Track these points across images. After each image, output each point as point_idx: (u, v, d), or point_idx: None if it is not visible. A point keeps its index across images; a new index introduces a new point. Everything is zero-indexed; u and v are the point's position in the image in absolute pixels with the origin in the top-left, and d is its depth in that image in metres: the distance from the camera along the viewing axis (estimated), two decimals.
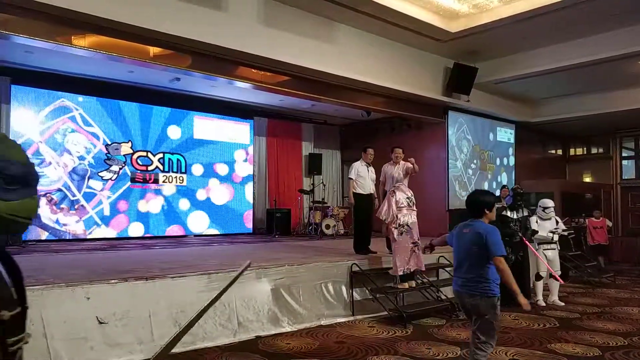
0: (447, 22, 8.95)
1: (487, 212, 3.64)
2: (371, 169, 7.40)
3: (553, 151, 16.23)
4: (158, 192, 10.75)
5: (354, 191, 7.33)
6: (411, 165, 6.69)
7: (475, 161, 12.53)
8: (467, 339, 5.28)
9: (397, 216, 6.28)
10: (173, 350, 4.87)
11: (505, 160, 13.53)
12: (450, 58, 10.49)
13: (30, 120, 9.20)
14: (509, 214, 6.70)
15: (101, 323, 4.45)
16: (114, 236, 10.02)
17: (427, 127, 12.06)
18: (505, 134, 13.53)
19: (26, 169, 1.11)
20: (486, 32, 9.00)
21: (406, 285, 6.25)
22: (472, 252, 3.55)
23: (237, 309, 5.28)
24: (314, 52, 8.35)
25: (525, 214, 6.89)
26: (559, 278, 6.93)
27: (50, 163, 9.36)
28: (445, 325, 5.91)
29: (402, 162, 7.47)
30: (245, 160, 12.27)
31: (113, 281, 4.65)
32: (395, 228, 6.24)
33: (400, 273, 6.10)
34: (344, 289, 6.24)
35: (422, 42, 9.67)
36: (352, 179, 7.24)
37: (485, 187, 12.53)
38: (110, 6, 6.29)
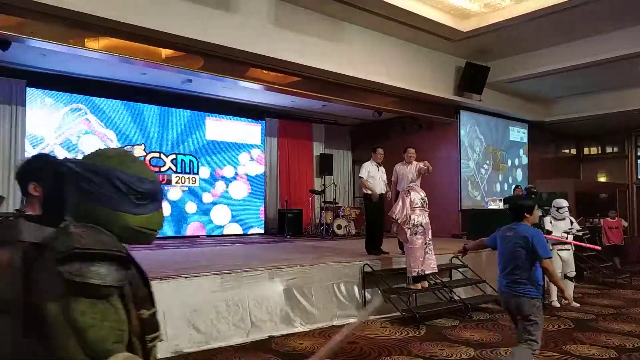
0: (459, 21, 8.91)
1: (527, 215, 3.78)
2: (382, 169, 7.37)
3: (567, 150, 16.07)
4: (168, 192, 10.82)
5: (365, 192, 7.33)
6: (425, 167, 6.68)
7: (487, 161, 12.44)
8: (481, 340, 5.26)
9: (410, 216, 6.24)
10: (186, 350, 4.87)
11: (518, 160, 13.43)
12: (461, 57, 10.43)
13: (45, 122, 9.31)
14: None
15: None
16: None
17: (439, 127, 12.00)
18: (518, 134, 13.42)
19: (155, 186, 1.19)
20: (498, 31, 8.95)
21: (419, 285, 6.23)
22: (518, 254, 3.68)
23: (250, 309, 5.30)
24: (325, 53, 8.36)
25: (539, 214, 6.81)
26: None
27: None
28: (458, 326, 5.88)
29: (414, 162, 7.44)
30: (256, 161, 12.30)
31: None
32: (409, 228, 6.19)
33: (414, 274, 6.07)
34: (356, 289, 6.23)
35: (433, 42, 9.63)
36: (363, 177, 7.21)
37: (498, 187, 12.44)
38: (123, 9, 6.35)
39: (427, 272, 6.14)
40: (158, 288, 4.88)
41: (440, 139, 11.98)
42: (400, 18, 8.41)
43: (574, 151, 16.21)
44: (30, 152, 9.02)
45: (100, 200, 1.11)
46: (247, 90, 10.03)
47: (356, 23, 8.71)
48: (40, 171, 1.57)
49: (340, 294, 6.07)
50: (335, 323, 5.84)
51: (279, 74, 8.55)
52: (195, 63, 7.67)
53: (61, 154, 9.43)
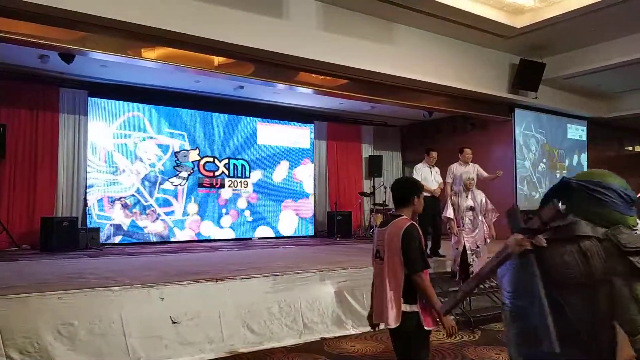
0: (512, 18, 8.66)
1: None
2: (435, 169, 7.26)
3: (630, 148, 15.27)
4: (221, 196, 11.10)
5: None
6: (486, 174, 6.58)
7: (544, 160, 12.02)
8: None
9: (463, 218, 6.14)
10: (241, 350, 4.97)
11: (577, 158, 12.89)
12: (515, 54, 10.14)
13: (104, 130, 9.79)
14: None
15: (174, 322, 4.64)
16: (185, 239, 10.45)
17: (493, 126, 11.71)
18: (577, 131, 12.88)
19: (633, 194, 1.59)
20: (554, 25, 8.62)
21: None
22: None
23: (302, 311, 5.35)
24: (373, 54, 8.34)
25: None
26: None
27: (124, 171, 9.90)
28: None
29: (472, 164, 7.31)
30: (305, 164, 12.41)
31: (185, 282, 4.85)
32: (462, 230, 6.09)
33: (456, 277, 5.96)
34: None
35: (485, 39, 9.41)
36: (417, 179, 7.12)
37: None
38: (178, 20, 6.60)
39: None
40: (214, 289, 5.03)
41: (494, 138, 11.68)
42: (451, 17, 8.28)
43: (638, 148, 15.37)
44: (91, 159, 9.52)
45: (614, 206, 1.55)
46: (296, 95, 10.16)
47: (406, 23, 8.64)
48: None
49: None
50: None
51: (328, 78, 8.63)
52: (246, 69, 7.85)
53: (120, 160, 9.87)
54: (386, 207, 12.16)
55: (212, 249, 9.00)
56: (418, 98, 9.85)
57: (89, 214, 9.24)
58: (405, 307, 2.83)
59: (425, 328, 2.82)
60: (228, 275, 5.23)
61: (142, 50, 6.95)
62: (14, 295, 4.09)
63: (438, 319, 2.85)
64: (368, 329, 5.66)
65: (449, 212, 6.21)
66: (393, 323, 2.82)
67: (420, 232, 2.96)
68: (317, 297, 5.50)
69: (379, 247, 3.03)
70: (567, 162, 12.62)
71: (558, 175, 12.31)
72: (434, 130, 12.77)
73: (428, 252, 7.04)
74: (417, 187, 3.13)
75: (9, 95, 8.72)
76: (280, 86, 8.67)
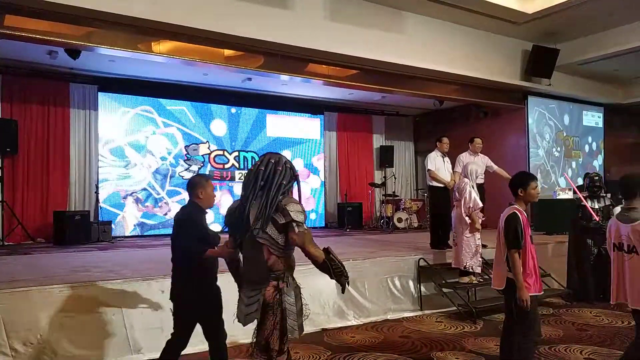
0: (523, 3, 8.47)
1: None
2: (447, 159, 7.13)
3: None
4: (232, 189, 11.17)
5: (430, 184, 7.15)
6: (496, 167, 6.51)
7: (558, 148, 11.79)
8: (541, 336, 4.99)
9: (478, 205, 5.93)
10: (242, 340, 4.99)
11: (593, 145, 12.61)
12: (528, 40, 9.94)
13: (115, 124, 9.91)
14: (589, 203, 6.22)
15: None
16: None
17: (506, 114, 11.54)
18: (593, 118, 12.59)
19: None
20: (567, 10, 8.42)
21: (466, 279, 6.00)
22: None
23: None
24: (382, 44, 8.27)
25: (607, 203, 6.36)
26: None
27: (135, 164, 10.03)
28: None
29: (481, 155, 7.19)
30: (315, 155, 12.39)
31: None
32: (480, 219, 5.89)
33: (462, 268, 5.87)
34: (411, 283, 6.14)
35: (496, 26, 9.24)
36: (431, 169, 6.98)
37: (570, 175, 11.74)
38: (185, 14, 6.64)
39: (475, 269, 5.88)
40: (223, 281, 5.06)
41: (507, 127, 11.51)
42: (460, 3, 8.16)
43: None
44: (102, 153, 9.66)
45: None
46: (306, 86, 10.14)
47: (414, 12, 8.54)
48: None
49: (395, 288, 6.00)
50: (389, 317, 5.79)
51: (337, 68, 8.59)
52: (255, 62, 7.86)
53: (131, 154, 10.00)
54: (396, 198, 12.10)
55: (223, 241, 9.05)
56: (429, 87, 9.74)
57: (101, 208, 9.40)
58: None
59: None
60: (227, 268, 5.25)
61: (149, 45, 7.00)
62: (16, 289, 4.18)
63: None
64: (369, 319, 5.70)
65: (478, 200, 5.91)
66: None
67: None
68: (318, 288, 5.49)
69: (624, 241, 3.22)
70: (582, 149, 12.35)
71: (574, 164, 12.07)
72: (447, 119, 12.62)
73: (445, 243, 6.93)
74: None
75: (20, 91, 8.88)
76: (288, 77, 8.65)
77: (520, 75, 10.25)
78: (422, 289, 6.18)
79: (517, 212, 3.47)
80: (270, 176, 2.57)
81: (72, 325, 4.21)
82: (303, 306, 2.73)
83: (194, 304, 3.32)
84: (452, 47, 9.08)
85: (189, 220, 3.32)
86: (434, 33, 8.84)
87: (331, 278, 2.71)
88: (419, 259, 6.24)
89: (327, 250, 2.59)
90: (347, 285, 2.66)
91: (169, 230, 10.44)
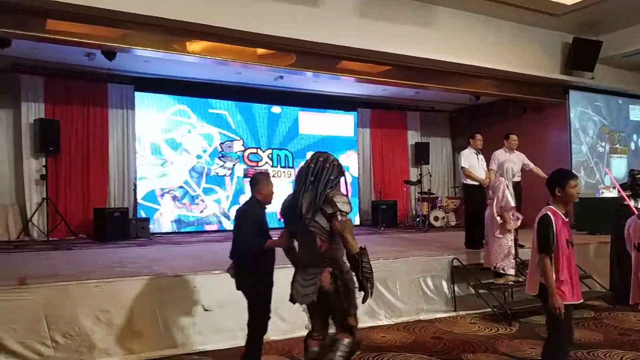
0: None
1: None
2: (481, 157, 6.95)
3: None
4: None
5: (465, 182, 6.99)
6: (532, 165, 6.58)
7: (603, 144, 11.33)
8: (579, 340, 4.81)
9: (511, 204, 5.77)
10: (272, 338, 5.02)
11: None
12: (568, 33, 9.58)
13: (151, 123, 10.13)
14: (632, 202, 5.93)
15: (206, 310, 4.77)
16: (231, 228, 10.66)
17: (546, 109, 11.20)
18: None
19: None
20: (608, 1, 8.07)
21: (501, 280, 5.83)
22: None
23: None
24: (414, 39, 8.14)
25: None
26: None
27: (172, 162, 10.24)
28: None
29: (517, 152, 6.99)
30: (349, 152, 12.33)
31: (216, 272, 4.96)
32: (511, 220, 5.74)
33: (492, 268, 5.71)
34: (444, 283, 6.02)
35: (533, 18, 8.95)
36: (465, 167, 6.82)
37: (614, 172, 11.27)
38: (217, 14, 6.73)
39: (507, 270, 5.70)
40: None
41: (548, 122, 11.15)
42: None
43: None
44: (140, 152, 9.90)
45: None
46: (338, 83, 10.10)
47: (446, 5, 8.35)
48: None
49: (427, 288, 5.90)
50: (421, 317, 5.70)
51: (370, 65, 8.51)
52: (287, 60, 7.89)
53: (168, 152, 10.20)
54: (432, 196, 11.91)
55: None
56: (464, 82, 9.54)
57: (139, 205, 9.63)
58: None
59: None
60: None
61: (183, 45, 7.13)
62: (56, 284, 4.34)
63: None
64: (401, 319, 5.63)
65: (511, 200, 5.78)
66: None
67: None
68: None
69: None
70: (629, 146, 11.83)
71: (620, 161, 11.58)
72: (484, 114, 12.31)
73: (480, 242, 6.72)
74: None
75: (62, 92, 9.20)
76: (322, 75, 8.63)
77: (561, 68, 9.89)
78: (456, 289, 6.05)
79: (550, 214, 3.25)
80: (319, 172, 2.97)
81: (107, 319, 4.34)
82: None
83: (264, 290, 3.78)
84: (486, 41, 8.84)
85: (251, 214, 3.65)
86: (467, 27, 8.63)
87: (357, 279, 2.90)
88: (452, 259, 6.12)
89: (363, 249, 2.84)
90: (369, 295, 2.84)
91: (205, 228, 10.60)
